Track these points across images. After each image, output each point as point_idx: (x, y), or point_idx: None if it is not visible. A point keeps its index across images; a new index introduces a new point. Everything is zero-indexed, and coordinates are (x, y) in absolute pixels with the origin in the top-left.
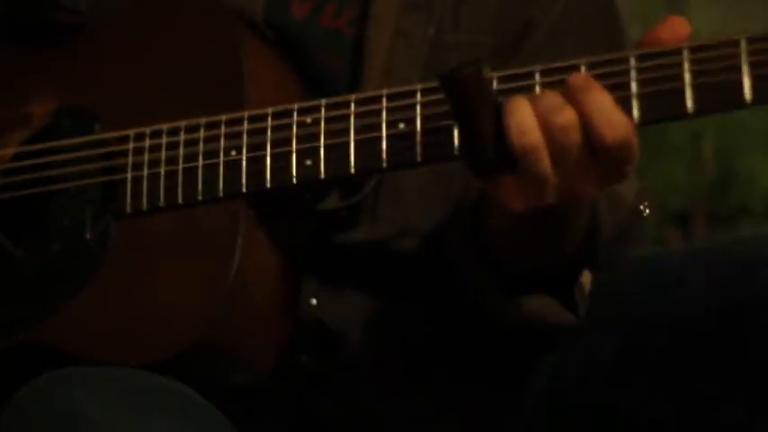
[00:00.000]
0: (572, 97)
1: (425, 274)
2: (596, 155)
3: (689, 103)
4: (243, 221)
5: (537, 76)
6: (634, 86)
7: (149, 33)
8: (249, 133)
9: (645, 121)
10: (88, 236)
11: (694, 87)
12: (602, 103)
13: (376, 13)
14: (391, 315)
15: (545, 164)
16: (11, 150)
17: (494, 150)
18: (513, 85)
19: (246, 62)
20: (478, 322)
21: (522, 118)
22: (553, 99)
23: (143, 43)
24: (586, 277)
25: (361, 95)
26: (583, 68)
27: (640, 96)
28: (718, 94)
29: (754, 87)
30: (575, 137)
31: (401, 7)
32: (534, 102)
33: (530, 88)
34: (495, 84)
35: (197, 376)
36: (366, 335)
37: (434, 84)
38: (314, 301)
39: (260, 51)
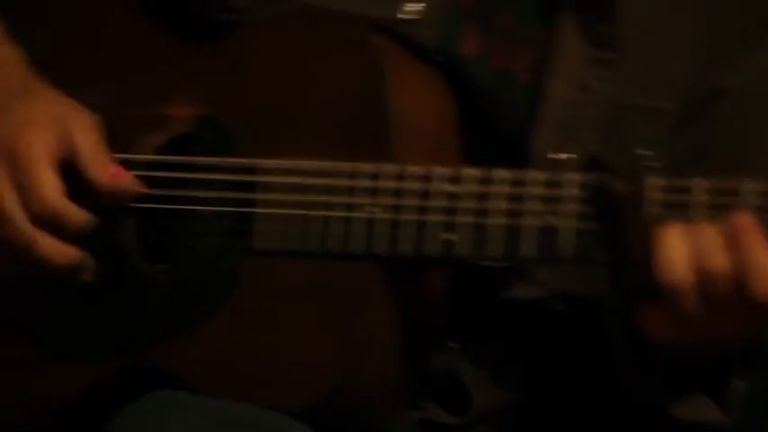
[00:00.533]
0: (732, 240)
1: (574, 342)
2: (748, 305)
3: None
4: (374, 282)
5: (702, 195)
6: None
7: (295, 53)
8: (395, 193)
9: None
10: (221, 267)
11: None
12: (761, 254)
13: (561, 63)
14: (529, 377)
15: (691, 303)
16: (146, 157)
17: (638, 276)
18: (674, 197)
19: (396, 99)
20: (620, 396)
21: (675, 252)
22: (711, 239)
23: (292, 62)
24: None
25: (518, 175)
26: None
27: None
28: None
29: None
30: (726, 285)
31: (586, 60)
32: (691, 236)
33: (691, 206)
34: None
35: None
36: (498, 393)
37: (592, 177)
38: (453, 345)
39: (415, 85)
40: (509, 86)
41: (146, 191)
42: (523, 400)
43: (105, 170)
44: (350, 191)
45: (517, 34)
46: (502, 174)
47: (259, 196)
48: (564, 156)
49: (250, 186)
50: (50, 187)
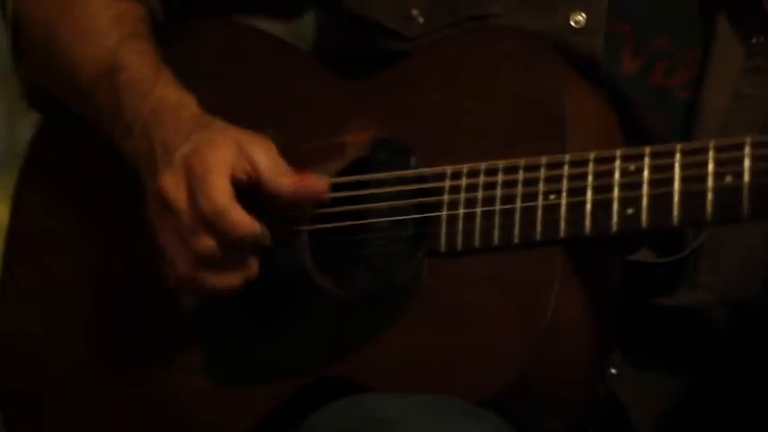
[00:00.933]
0: None
1: (740, 350)
2: None
3: None
4: (559, 269)
5: None
6: None
7: (467, 68)
8: (570, 178)
9: None
10: (402, 274)
11: None
12: None
13: (715, 76)
14: (692, 394)
15: None
16: (328, 180)
17: None
18: None
19: (571, 106)
20: None
21: None
22: None
23: (460, 78)
24: None
25: (688, 145)
26: None
27: None
28: None
29: None
30: None
31: (743, 70)
32: None
33: None
34: None
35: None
36: (658, 415)
37: (765, 137)
38: (613, 371)
39: (586, 97)
40: (667, 103)
41: (329, 194)
42: (685, 412)
43: (287, 177)
44: (528, 182)
45: (673, 53)
46: (673, 146)
47: (446, 198)
48: None
49: (435, 192)
50: (221, 190)
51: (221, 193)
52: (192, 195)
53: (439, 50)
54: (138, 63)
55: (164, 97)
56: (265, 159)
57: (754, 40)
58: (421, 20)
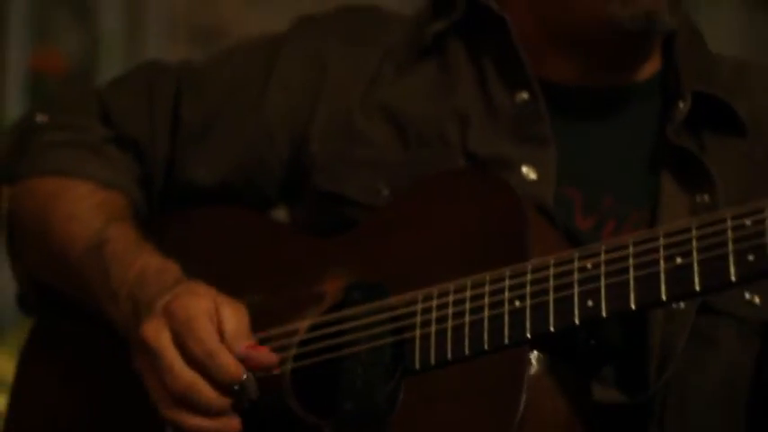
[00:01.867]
0: None
1: None
2: None
3: None
4: (527, 368)
5: None
6: None
7: (433, 209)
8: (532, 282)
9: None
10: (381, 396)
11: None
12: None
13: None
14: None
15: None
16: (307, 322)
17: None
18: None
19: (531, 225)
20: None
21: None
22: None
23: (425, 216)
24: None
25: (639, 236)
26: None
27: None
28: None
29: None
30: None
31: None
32: None
33: None
34: None
35: None
36: None
37: (707, 219)
38: None
39: (544, 228)
40: None
41: (276, 365)
42: None
43: (244, 343)
44: (494, 293)
45: (621, 213)
46: (625, 239)
47: (418, 320)
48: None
49: (408, 316)
50: (210, 334)
51: (210, 337)
52: (179, 340)
53: (403, 199)
54: (122, 237)
55: (148, 264)
56: (231, 321)
57: (698, 198)
58: (386, 192)
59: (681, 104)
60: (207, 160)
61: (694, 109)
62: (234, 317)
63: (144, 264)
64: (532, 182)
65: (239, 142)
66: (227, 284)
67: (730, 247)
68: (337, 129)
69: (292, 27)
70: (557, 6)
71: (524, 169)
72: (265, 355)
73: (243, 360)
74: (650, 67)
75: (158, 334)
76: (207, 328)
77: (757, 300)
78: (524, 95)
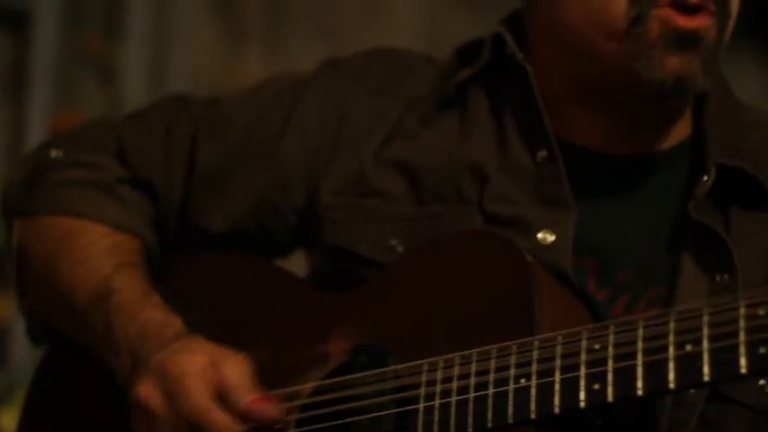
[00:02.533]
0: None
1: None
2: None
3: None
4: None
5: None
6: None
7: (439, 270)
8: (539, 360)
9: None
10: None
11: None
12: None
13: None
14: None
15: None
16: (310, 385)
17: None
18: None
19: (540, 298)
20: None
21: None
22: None
23: (433, 280)
24: None
25: (650, 318)
26: None
27: None
28: None
29: None
30: None
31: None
32: None
33: None
34: None
35: None
36: None
37: (720, 304)
38: None
39: (555, 295)
40: None
41: (283, 422)
42: None
43: (248, 395)
44: (500, 368)
45: (636, 289)
46: (635, 319)
47: (422, 391)
48: (692, 390)
49: (412, 386)
50: (200, 391)
51: (201, 394)
52: (170, 398)
53: (414, 258)
54: (129, 288)
55: (151, 319)
56: (234, 374)
57: (718, 278)
58: (400, 248)
59: (705, 178)
60: (221, 206)
61: (720, 182)
62: (236, 371)
63: (147, 318)
64: (549, 246)
65: (254, 189)
66: (232, 336)
67: (742, 337)
68: (351, 181)
69: (317, 70)
70: (585, 62)
71: (540, 235)
72: (269, 409)
73: (247, 414)
74: (678, 133)
75: (151, 395)
76: (197, 386)
77: None
78: (544, 153)
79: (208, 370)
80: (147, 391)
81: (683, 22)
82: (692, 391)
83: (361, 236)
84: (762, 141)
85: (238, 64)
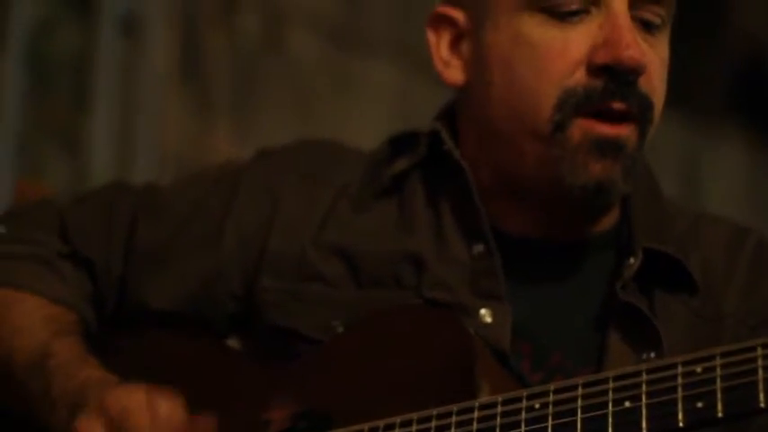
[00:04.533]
0: None
1: None
2: None
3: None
4: None
5: None
6: None
7: (383, 341)
8: (479, 420)
9: None
10: None
11: None
12: None
13: None
14: None
15: None
16: None
17: None
18: None
19: (479, 368)
20: None
21: None
22: None
23: (376, 351)
24: None
25: (589, 379)
26: None
27: None
28: None
29: None
30: None
31: None
32: None
33: None
34: None
35: None
36: None
37: (659, 364)
38: None
39: (495, 369)
40: None
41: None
42: None
43: (181, 427)
44: (440, 429)
45: (568, 369)
46: (576, 380)
47: None
48: None
49: None
50: (145, 426)
51: (144, 426)
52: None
53: (353, 331)
54: (66, 351)
55: (90, 376)
56: (165, 406)
57: (645, 356)
58: (340, 329)
59: (631, 260)
60: (158, 289)
61: (646, 265)
62: (167, 402)
63: (86, 376)
64: (488, 325)
65: (192, 276)
66: None
67: (679, 393)
68: (289, 265)
69: (251, 160)
70: (512, 161)
71: (482, 311)
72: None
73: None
74: (608, 220)
75: (92, 427)
76: (142, 418)
77: None
78: (480, 248)
79: (147, 405)
80: (87, 424)
81: (605, 130)
82: None
83: (303, 317)
84: (685, 230)
85: (206, 136)
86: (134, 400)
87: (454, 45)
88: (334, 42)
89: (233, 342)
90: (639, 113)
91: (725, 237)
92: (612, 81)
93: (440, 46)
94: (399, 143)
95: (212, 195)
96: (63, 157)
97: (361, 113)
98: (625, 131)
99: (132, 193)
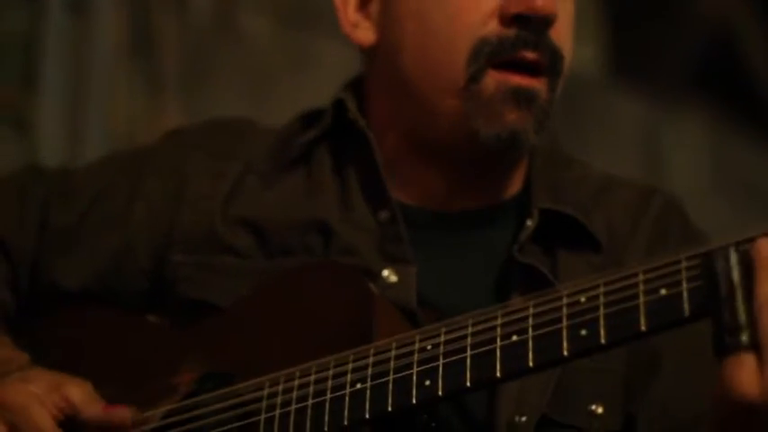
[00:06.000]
0: None
1: None
2: None
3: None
4: None
5: None
6: None
7: (284, 299)
8: (374, 364)
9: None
10: None
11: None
12: None
13: None
14: None
15: None
16: (161, 410)
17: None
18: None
19: (377, 319)
20: None
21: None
22: None
23: (278, 308)
24: None
25: (479, 317)
26: None
27: None
28: None
29: None
30: None
31: None
32: None
33: None
34: None
35: None
36: None
37: (544, 297)
38: None
39: (394, 320)
40: None
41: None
42: None
43: (97, 407)
44: (337, 375)
45: None
46: (464, 319)
47: (264, 404)
48: (524, 418)
49: (254, 401)
50: (44, 419)
51: (44, 420)
52: (14, 428)
53: (255, 292)
54: None
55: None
56: (78, 393)
57: None
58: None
59: (528, 222)
60: (69, 269)
61: (547, 227)
62: (78, 390)
63: None
64: (393, 284)
65: (102, 254)
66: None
67: (564, 322)
68: (200, 239)
69: (160, 140)
70: (423, 118)
71: (385, 273)
72: (122, 411)
73: (103, 421)
74: (513, 187)
75: None
76: (40, 414)
77: (600, 410)
78: (386, 215)
79: (49, 395)
80: None
81: (519, 80)
82: (524, 417)
83: (215, 289)
84: (591, 192)
85: (157, 115)
86: (32, 393)
87: (362, 6)
88: (287, 20)
89: (153, 319)
90: (550, 65)
91: (631, 197)
92: (525, 30)
93: (347, 8)
94: (308, 118)
95: (122, 176)
96: (12, 137)
97: (315, 92)
98: (538, 84)
99: (45, 176)
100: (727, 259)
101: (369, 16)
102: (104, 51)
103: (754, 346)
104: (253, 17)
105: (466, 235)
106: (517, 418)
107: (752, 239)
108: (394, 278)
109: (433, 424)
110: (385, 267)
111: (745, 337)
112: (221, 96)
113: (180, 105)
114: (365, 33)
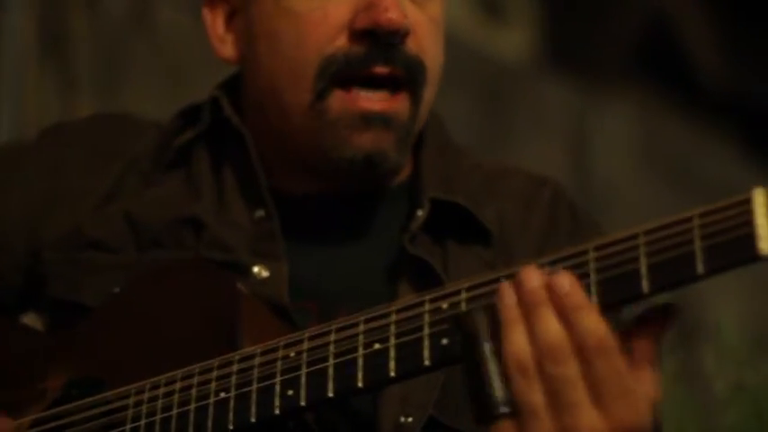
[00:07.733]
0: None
1: None
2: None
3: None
4: None
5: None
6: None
7: (152, 301)
8: (238, 372)
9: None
10: None
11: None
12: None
13: None
14: None
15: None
16: (29, 419)
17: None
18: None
19: (243, 322)
20: None
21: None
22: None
23: (145, 311)
24: None
25: (342, 324)
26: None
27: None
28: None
29: (705, 260)
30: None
31: None
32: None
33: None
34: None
35: None
36: None
37: (408, 303)
38: None
39: (270, 324)
40: None
41: None
42: None
43: None
44: (202, 383)
45: None
46: (329, 326)
47: (129, 413)
48: (410, 419)
49: (120, 410)
50: None
51: None
52: None
53: (125, 293)
54: None
55: None
56: None
57: None
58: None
59: (419, 212)
60: None
61: (438, 217)
62: None
63: None
64: (264, 280)
65: None
66: None
67: (426, 330)
68: (71, 236)
69: (40, 135)
70: (283, 134)
71: (255, 269)
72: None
73: None
74: (401, 175)
75: None
76: None
77: None
78: (261, 213)
79: None
80: None
81: (369, 105)
82: (410, 419)
83: (84, 287)
84: (482, 182)
85: (69, 114)
86: None
87: (229, 21)
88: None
89: (30, 318)
90: (408, 77)
91: (522, 188)
92: (375, 45)
93: (215, 23)
94: (188, 115)
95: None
96: None
97: None
98: (393, 103)
99: None
100: (473, 322)
101: (234, 31)
102: (15, 49)
103: (513, 414)
104: (168, 14)
105: (351, 223)
106: (403, 419)
107: (497, 282)
108: (265, 273)
109: (291, 424)
110: (256, 263)
111: (503, 409)
112: (137, 94)
113: (93, 103)
114: (228, 48)
